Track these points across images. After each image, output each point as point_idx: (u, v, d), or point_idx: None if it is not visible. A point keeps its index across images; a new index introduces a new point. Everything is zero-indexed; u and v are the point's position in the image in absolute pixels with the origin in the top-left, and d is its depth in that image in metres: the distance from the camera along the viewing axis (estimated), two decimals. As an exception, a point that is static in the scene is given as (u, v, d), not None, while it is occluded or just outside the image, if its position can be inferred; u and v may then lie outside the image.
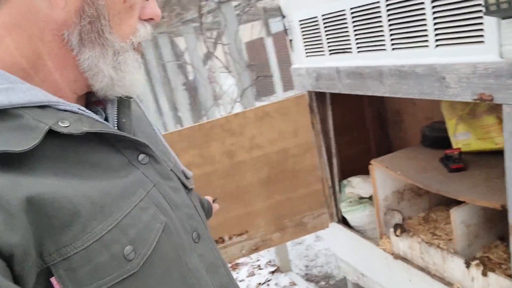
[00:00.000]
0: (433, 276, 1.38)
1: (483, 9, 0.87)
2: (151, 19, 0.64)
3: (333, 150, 1.82)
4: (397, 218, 1.54)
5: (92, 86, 0.61)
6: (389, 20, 1.20)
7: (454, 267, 1.30)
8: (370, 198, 1.81)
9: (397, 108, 1.93)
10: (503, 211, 1.33)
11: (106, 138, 0.60)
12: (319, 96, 1.77)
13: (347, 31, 1.39)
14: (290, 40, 1.76)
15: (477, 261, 1.23)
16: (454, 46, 1.04)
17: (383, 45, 1.26)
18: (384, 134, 2.05)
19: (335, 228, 1.89)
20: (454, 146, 1.50)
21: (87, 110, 0.59)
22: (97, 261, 0.51)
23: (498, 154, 1.40)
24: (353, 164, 1.98)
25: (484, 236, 1.34)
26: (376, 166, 1.54)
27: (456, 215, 1.27)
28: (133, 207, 0.57)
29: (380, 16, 1.23)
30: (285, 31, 1.75)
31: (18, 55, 0.54)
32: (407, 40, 1.17)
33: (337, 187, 1.86)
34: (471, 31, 0.99)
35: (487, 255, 1.29)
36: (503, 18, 0.88)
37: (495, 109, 1.39)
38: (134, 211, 0.57)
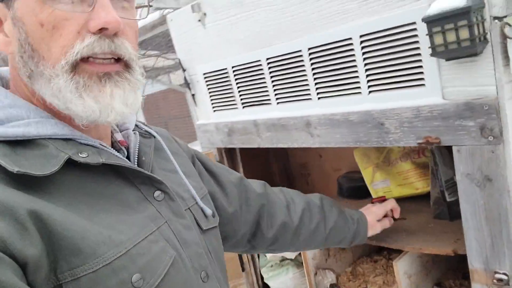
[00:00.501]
0: (380, 337, 1.28)
1: (430, 50, 0.85)
2: (104, 28, 0.59)
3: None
4: (330, 278, 1.43)
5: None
6: (313, 69, 1.15)
7: (403, 323, 1.22)
8: (292, 259, 1.68)
9: (303, 161, 1.89)
10: (437, 256, 1.32)
11: (124, 173, 0.64)
12: (229, 153, 1.63)
13: (264, 82, 1.30)
14: (193, 95, 1.61)
15: (428, 313, 1.16)
16: (390, 91, 1.02)
17: (308, 94, 1.19)
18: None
19: None
20: (374, 194, 1.48)
21: (108, 146, 0.65)
22: (105, 285, 0.54)
23: (420, 198, 1.42)
24: (265, 224, 1.85)
25: (422, 285, 1.30)
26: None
27: (399, 266, 1.20)
28: (143, 239, 0.60)
29: (303, 65, 1.17)
30: (187, 85, 1.60)
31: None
32: (336, 88, 1.12)
33: (256, 255, 1.69)
34: (409, 75, 0.97)
35: (430, 304, 1.25)
36: (447, 60, 0.87)
37: (409, 154, 1.42)
38: (144, 242, 0.60)
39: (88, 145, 0.62)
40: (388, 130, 1.03)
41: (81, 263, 0.53)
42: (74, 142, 0.61)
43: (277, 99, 1.29)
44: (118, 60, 0.63)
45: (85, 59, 0.59)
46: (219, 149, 1.59)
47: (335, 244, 1.14)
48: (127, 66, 0.64)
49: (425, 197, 1.39)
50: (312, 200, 1.14)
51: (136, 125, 0.79)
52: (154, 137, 0.78)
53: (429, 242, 1.15)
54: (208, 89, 1.52)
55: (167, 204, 0.68)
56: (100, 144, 0.63)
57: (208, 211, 0.79)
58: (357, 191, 1.52)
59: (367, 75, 1.04)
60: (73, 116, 0.60)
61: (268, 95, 1.31)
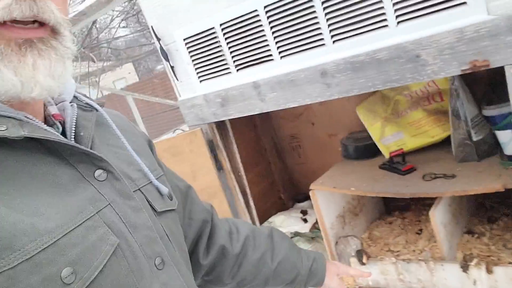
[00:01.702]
0: (421, 296, 1.18)
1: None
2: None
3: (248, 191, 1.52)
4: (354, 244, 1.31)
5: None
6: (325, 8, 1.02)
7: (447, 276, 1.13)
8: (299, 234, 1.55)
9: (292, 132, 1.77)
10: (461, 204, 1.26)
11: (56, 150, 0.57)
12: (220, 128, 1.46)
13: (262, 36, 1.15)
14: (172, 67, 1.42)
15: (475, 260, 1.08)
16: (424, 17, 0.91)
17: (321, 39, 1.06)
18: (282, 164, 1.85)
19: None
20: (384, 151, 1.39)
21: (35, 119, 0.56)
22: (27, 283, 0.47)
23: (434, 146, 1.34)
24: (262, 203, 1.70)
25: (454, 234, 1.22)
26: (319, 190, 1.30)
27: (437, 215, 1.12)
28: (77, 225, 0.53)
29: (311, 6, 1.04)
30: (164, 56, 1.41)
31: None
32: (356, 26, 1.00)
33: (259, 234, 1.54)
34: (448, -6, 0.87)
35: (469, 252, 1.17)
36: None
37: (418, 102, 1.34)
38: (79, 230, 0.53)
39: (8, 117, 0.53)
40: (425, 62, 0.93)
41: None
42: None
43: (280, 52, 1.14)
44: (42, 25, 0.55)
45: (0, 24, 0.51)
46: (210, 125, 1.42)
47: (284, 283, 0.98)
48: (53, 32, 0.56)
49: (440, 144, 1.32)
50: (259, 229, 1.00)
51: (75, 97, 0.69)
52: (97, 110, 0.68)
53: (470, 184, 1.07)
54: (191, 56, 1.34)
55: (111, 184, 0.61)
56: (25, 117, 0.55)
57: (164, 189, 0.71)
58: (365, 150, 1.42)
59: (394, 3, 0.93)
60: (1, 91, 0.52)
61: (269, 50, 1.16)
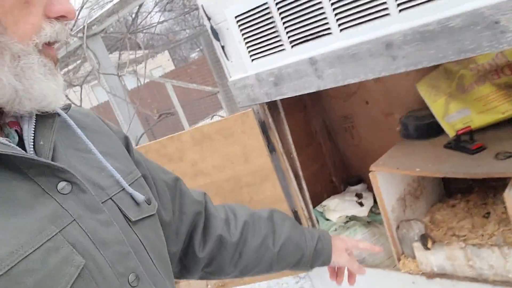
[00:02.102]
0: (493, 282, 1.11)
1: None
2: (63, 16, 0.57)
3: (300, 173, 1.47)
4: (417, 229, 1.25)
5: None
6: (390, -25, 0.95)
7: (524, 262, 1.05)
8: (355, 218, 1.50)
9: (345, 113, 1.70)
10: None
11: (11, 164, 0.52)
12: (271, 109, 1.42)
13: (320, 9, 1.09)
14: (222, 47, 1.38)
15: (558, 245, 1.00)
16: (507, -23, 0.83)
17: (385, 9, 0.99)
18: (334, 146, 1.79)
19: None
20: (448, 129, 1.30)
21: None
22: None
23: (505, 124, 1.25)
24: (312, 187, 1.65)
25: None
26: (380, 172, 1.24)
27: (513, 197, 1.03)
28: (35, 249, 0.49)
29: (375, -26, 0.97)
30: (214, 36, 1.37)
31: None
32: (425, -8, 0.93)
33: (314, 218, 1.49)
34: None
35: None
36: None
37: (486, 76, 1.24)
38: (37, 253, 0.49)
39: None
40: (505, 28, 0.84)
41: None
42: None
43: (340, 25, 1.08)
44: None
45: (46, 44, 0.57)
46: (261, 106, 1.38)
47: (289, 266, 0.95)
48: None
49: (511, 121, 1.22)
50: (258, 213, 0.95)
51: None
52: (58, 114, 0.63)
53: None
54: (243, 34, 1.30)
55: (77, 197, 0.56)
56: None
57: (139, 197, 0.66)
58: (427, 129, 1.34)
59: (471, -35, 0.85)
60: (24, 99, 0.54)
61: (327, 23, 1.10)
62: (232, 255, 0.88)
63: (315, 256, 0.96)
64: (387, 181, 1.28)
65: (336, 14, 1.07)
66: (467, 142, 1.19)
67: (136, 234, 0.63)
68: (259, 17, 1.22)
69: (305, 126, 1.68)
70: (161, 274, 0.65)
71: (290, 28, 1.17)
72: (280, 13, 1.17)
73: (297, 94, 1.24)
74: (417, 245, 1.23)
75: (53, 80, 0.56)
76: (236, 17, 1.28)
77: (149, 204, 0.69)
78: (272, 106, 1.42)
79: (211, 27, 1.36)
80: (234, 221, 0.91)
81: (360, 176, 1.73)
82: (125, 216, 0.62)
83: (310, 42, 1.16)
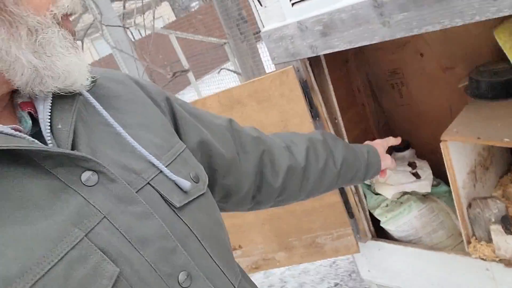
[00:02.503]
0: None
1: None
2: None
3: (346, 141, 1.25)
4: (496, 208, 1.04)
5: (12, 82, 0.47)
6: None
7: None
8: (408, 192, 1.29)
9: (393, 67, 1.45)
10: None
11: (24, 156, 0.44)
12: (313, 66, 1.18)
13: None
14: (254, -11, 1.12)
15: None
16: None
17: None
18: (378, 106, 1.56)
19: (373, 248, 1.33)
20: (535, 86, 1.06)
21: None
22: None
23: None
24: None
25: None
26: (453, 142, 1.02)
27: None
28: (55, 263, 0.40)
29: None
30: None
31: None
32: None
33: (361, 191, 1.29)
34: None
35: None
36: None
37: None
38: (57, 269, 0.40)
39: None
40: None
41: None
42: None
43: (418, -47, 0.82)
44: None
45: (62, 17, 0.50)
46: (302, 62, 1.13)
47: (347, 181, 1.00)
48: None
49: None
50: (313, 137, 0.96)
51: None
52: (80, 93, 0.54)
53: None
54: (282, -28, 1.03)
55: (105, 188, 0.48)
56: None
57: (186, 184, 0.56)
58: (506, 87, 1.10)
59: None
60: (46, 78, 0.48)
61: (400, -49, 0.84)
62: (301, 181, 0.89)
63: (367, 169, 1.01)
64: (459, 151, 1.06)
65: None
66: None
67: (184, 222, 0.54)
68: None
69: (347, 84, 1.44)
70: (218, 266, 0.57)
71: (347, -40, 0.91)
72: None
73: (353, 47, 1.00)
74: (496, 228, 1.03)
75: (76, 55, 0.51)
76: (272, -51, 1.01)
77: (196, 183, 0.59)
78: (314, 62, 1.18)
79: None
80: (296, 148, 0.90)
81: (408, 141, 1.50)
82: (168, 202, 0.53)
83: (374, -22, 0.89)
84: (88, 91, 0.55)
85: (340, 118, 1.23)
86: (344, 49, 1.01)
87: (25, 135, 0.46)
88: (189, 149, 0.65)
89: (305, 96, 1.15)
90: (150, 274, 0.48)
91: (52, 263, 0.40)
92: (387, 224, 1.28)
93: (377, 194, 1.32)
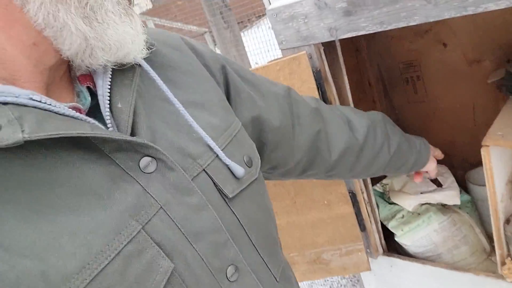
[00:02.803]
0: None
1: None
2: None
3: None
4: (541, 227, 0.89)
5: (60, 51, 0.43)
6: None
7: None
8: (431, 204, 1.13)
9: (409, 59, 1.28)
10: None
11: (86, 140, 0.41)
12: (326, 53, 0.99)
13: None
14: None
15: None
16: None
17: None
18: (389, 103, 1.39)
19: (384, 264, 1.16)
20: None
21: (46, 98, 0.40)
22: None
23: None
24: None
25: None
26: (496, 147, 0.86)
27: None
28: (113, 258, 0.39)
29: None
30: None
31: None
32: None
33: (373, 200, 1.12)
34: None
35: None
36: None
37: None
38: (113, 265, 0.38)
39: (7, 103, 0.37)
40: None
41: None
42: None
43: None
44: None
45: None
46: (316, 48, 0.95)
47: (393, 171, 0.97)
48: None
49: None
50: (374, 117, 0.92)
51: None
52: (139, 65, 0.50)
53: None
54: None
55: (163, 177, 0.44)
56: (31, 98, 0.39)
57: (240, 171, 0.53)
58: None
59: None
60: (96, 49, 0.44)
61: None
62: (355, 159, 0.86)
63: (415, 163, 0.98)
64: (499, 158, 0.90)
65: None
66: None
67: (234, 213, 0.52)
68: None
69: (358, 76, 1.27)
70: (262, 258, 0.56)
71: None
72: None
73: (384, 29, 0.82)
74: (541, 250, 0.88)
75: (129, 23, 0.46)
76: None
77: (250, 167, 0.57)
78: (327, 48, 0.99)
79: None
80: (356, 124, 0.87)
81: (421, 142, 1.35)
82: (221, 192, 0.51)
83: None
84: (145, 59, 0.51)
85: (354, 115, 1.06)
86: (372, 31, 0.84)
87: (86, 118, 0.43)
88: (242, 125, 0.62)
89: (319, 89, 0.96)
90: (201, 268, 0.46)
91: (110, 258, 0.39)
92: (403, 238, 1.11)
93: (391, 203, 1.16)
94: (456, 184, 1.10)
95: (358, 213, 1.09)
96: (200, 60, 0.62)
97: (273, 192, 1.07)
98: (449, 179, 1.13)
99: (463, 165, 1.32)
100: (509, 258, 0.96)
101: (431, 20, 0.75)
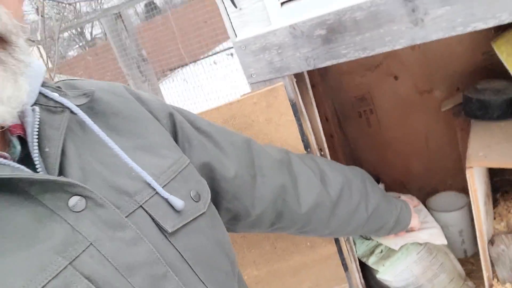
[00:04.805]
0: None
1: None
2: None
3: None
4: (526, 245, 0.90)
5: None
6: None
7: None
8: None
9: (361, 93, 1.29)
10: None
11: (11, 183, 0.42)
12: (298, 84, 0.95)
13: None
14: (225, -13, 0.88)
15: None
16: None
17: None
18: (344, 136, 1.38)
19: None
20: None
21: None
22: None
23: None
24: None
25: None
26: (478, 168, 0.86)
27: None
28: None
29: None
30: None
31: None
32: None
33: (351, 238, 1.07)
34: None
35: None
36: None
37: None
38: None
39: None
40: None
41: None
42: None
43: None
44: None
45: None
46: (290, 79, 0.90)
47: (373, 231, 0.95)
48: (2, 42, 0.44)
49: None
50: (351, 172, 0.91)
51: (42, 94, 0.52)
52: (71, 110, 0.51)
53: None
54: (268, -38, 0.81)
55: (93, 214, 0.45)
56: None
57: (178, 203, 0.53)
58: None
59: None
60: None
61: None
62: (329, 217, 0.84)
63: (395, 224, 0.96)
64: (479, 179, 0.91)
65: None
66: None
67: (175, 247, 0.51)
68: None
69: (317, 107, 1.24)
70: (217, 283, 0.55)
71: None
72: None
73: (367, 55, 0.80)
74: (529, 268, 0.88)
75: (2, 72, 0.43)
76: None
77: (197, 202, 0.57)
78: (297, 79, 0.95)
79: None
80: (330, 179, 0.85)
81: (376, 175, 1.35)
82: (159, 227, 0.51)
83: (400, -33, 0.72)
84: (86, 105, 0.53)
85: (327, 150, 1.01)
86: (354, 58, 0.81)
87: (9, 162, 0.43)
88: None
89: (297, 122, 0.91)
90: None
91: None
92: (384, 274, 1.07)
93: (368, 238, 1.11)
94: (436, 222, 1.09)
95: (340, 252, 1.02)
96: (145, 107, 0.63)
97: (251, 239, 0.97)
98: (428, 217, 1.11)
99: (419, 194, 1.35)
100: (496, 280, 0.96)
101: (418, 42, 0.75)
